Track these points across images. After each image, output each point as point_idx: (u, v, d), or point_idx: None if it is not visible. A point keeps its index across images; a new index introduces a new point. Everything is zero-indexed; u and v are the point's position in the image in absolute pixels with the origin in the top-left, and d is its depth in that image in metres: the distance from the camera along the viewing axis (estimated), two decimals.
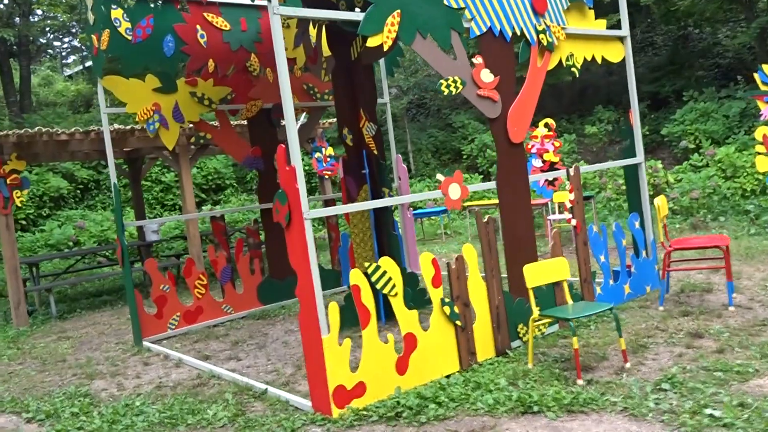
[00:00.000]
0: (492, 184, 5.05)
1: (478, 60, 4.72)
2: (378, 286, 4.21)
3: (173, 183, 16.84)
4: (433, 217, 14.05)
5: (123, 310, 8.82)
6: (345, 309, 4.89)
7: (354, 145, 6.24)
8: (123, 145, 9.15)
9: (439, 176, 4.55)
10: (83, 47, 25.83)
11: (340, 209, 4.38)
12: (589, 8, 5.77)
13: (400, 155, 8.60)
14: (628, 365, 4.29)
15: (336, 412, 3.99)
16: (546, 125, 11.04)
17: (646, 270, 6.15)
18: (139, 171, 11.19)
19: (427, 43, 4.43)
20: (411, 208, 9.61)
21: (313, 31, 7.10)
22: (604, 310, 4.29)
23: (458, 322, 4.54)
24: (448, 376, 4.45)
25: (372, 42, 4.13)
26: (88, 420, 4.47)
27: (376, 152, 6.18)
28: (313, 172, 15.29)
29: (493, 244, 4.83)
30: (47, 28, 22.78)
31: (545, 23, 5.21)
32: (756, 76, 5.86)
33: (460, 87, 4.57)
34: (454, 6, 4.60)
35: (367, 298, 4.13)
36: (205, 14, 6.69)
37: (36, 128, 8.32)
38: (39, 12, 21.51)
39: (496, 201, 12.01)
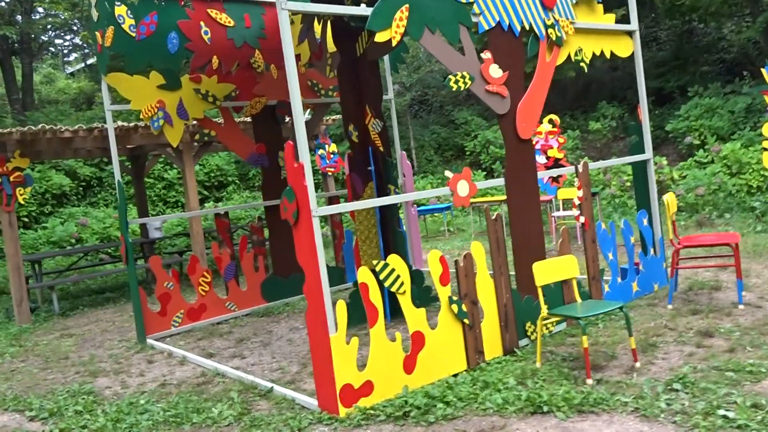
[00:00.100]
0: (497, 181, 5.00)
1: (486, 55, 4.66)
2: (386, 284, 4.17)
3: (176, 180, 16.80)
4: (436, 214, 14.01)
5: (125, 307, 8.79)
6: (350, 307, 4.85)
7: (360, 142, 6.19)
8: (126, 142, 9.11)
9: (448, 173, 4.50)
10: (85, 45, 25.77)
11: (348, 206, 4.33)
12: (598, 2, 5.70)
13: (404, 152, 8.55)
14: (638, 365, 4.24)
15: (343, 411, 3.95)
16: (550, 121, 10.97)
17: (654, 267, 6.10)
18: (142, 168, 11.16)
19: (435, 39, 4.38)
20: (415, 205, 9.56)
21: (317, 27, 7.04)
22: (615, 308, 4.24)
23: (466, 321, 4.50)
24: (455, 375, 4.41)
25: (380, 37, 4.08)
26: (92, 418, 4.44)
27: (382, 149, 6.13)
28: (316, 169, 15.25)
29: (502, 241, 4.79)
30: (49, 26, 22.73)
31: (554, 17, 5.16)
32: (763, 71, 5.78)
33: (469, 83, 4.52)
34: (463, 0, 4.54)
35: (375, 296, 4.08)
36: (208, 11, 6.64)
37: (39, 125, 8.29)
38: (41, 10, 21.45)
39: (500, 198, 12.00)
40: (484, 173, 16.16)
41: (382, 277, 4.16)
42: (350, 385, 3.97)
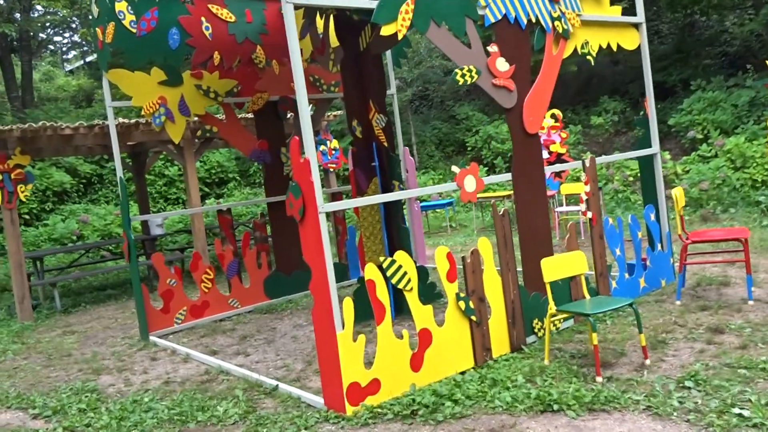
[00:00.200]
0: (504, 177, 4.94)
1: (493, 48, 4.60)
2: (393, 281, 4.12)
3: (176, 177, 16.75)
4: (438, 210, 13.95)
5: (127, 304, 8.75)
6: (353, 304, 4.80)
7: (363, 137, 6.13)
8: (127, 139, 9.05)
9: (455, 168, 4.44)
10: (84, 42, 25.68)
11: (354, 202, 4.27)
12: None
13: (407, 147, 8.49)
14: (648, 362, 4.19)
15: (350, 409, 3.90)
16: (553, 116, 10.90)
17: (662, 263, 6.05)
18: (143, 165, 11.09)
19: (441, 32, 4.31)
20: (418, 201, 9.51)
21: (320, 22, 6.97)
22: (625, 305, 4.18)
23: (473, 318, 4.45)
24: (462, 373, 4.36)
25: (386, 30, 4.02)
26: (96, 416, 4.40)
27: (386, 144, 6.07)
28: (318, 165, 15.21)
29: (509, 237, 4.73)
30: (48, 24, 22.64)
31: (560, 9, 5.09)
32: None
33: (476, 76, 4.46)
34: None
35: (382, 293, 4.03)
36: (209, 6, 6.56)
37: (40, 123, 8.23)
38: (39, 7, 21.36)
39: (502, 193, 11.94)
40: (486, 169, 16.09)
41: (389, 273, 4.11)
42: (357, 383, 3.93)
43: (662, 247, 6.09)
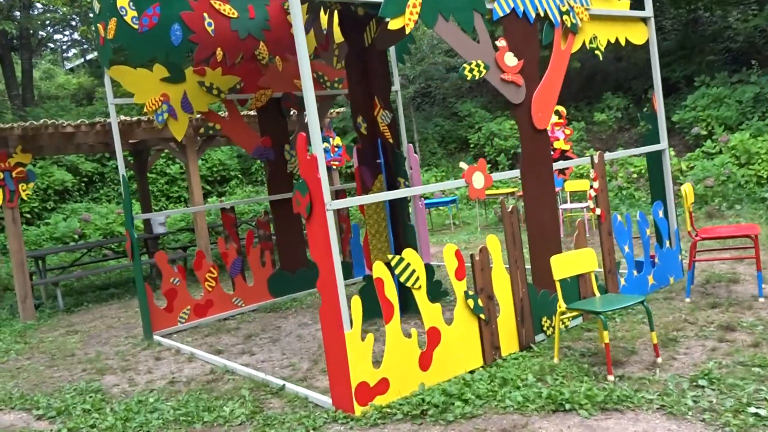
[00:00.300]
0: (512, 173, 4.88)
1: (501, 43, 4.54)
2: (401, 279, 4.06)
3: (178, 175, 16.69)
4: (441, 208, 13.89)
5: (130, 303, 8.70)
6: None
7: (368, 134, 6.07)
8: (129, 136, 8.99)
9: (463, 164, 4.38)
10: (84, 40, 25.61)
11: (361, 200, 4.21)
12: None
13: (411, 144, 8.43)
14: (659, 360, 4.14)
15: (358, 409, 3.85)
16: (556, 113, 10.84)
17: (670, 260, 5.99)
18: (145, 163, 11.03)
19: (449, 26, 4.25)
20: (423, 199, 9.45)
21: (324, 17, 6.90)
22: (636, 303, 4.13)
23: (482, 316, 4.39)
24: (472, 372, 4.31)
25: (393, 24, 3.95)
26: (101, 417, 4.35)
27: (391, 141, 6.01)
28: None
29: (518, 234, 4.68)
30: (48, 22, 22.57)
31: (569, 3, 5.02)
32: None
33: (484, 71, 4.40)
34: None
35: (391, 292, 3.98)
36: (212, 1, 6.50)
37: (41, 120, 8.17)
38: (39, 5, 21.29)
39: (505, 190, 11.88)
40: (489, 166, 16.02)
41: (397, 272, 4.05)
42: (366, 383, 3.87)
43: (670, 243, 6.03)
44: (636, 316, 5.11)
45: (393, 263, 4.06)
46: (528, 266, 5.12)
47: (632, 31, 5.72)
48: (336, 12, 6.42)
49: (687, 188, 5.41)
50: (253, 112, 9.05)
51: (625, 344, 4.55)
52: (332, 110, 11.15)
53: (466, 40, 4.35)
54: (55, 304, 8.94)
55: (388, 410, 3.83)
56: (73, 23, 23.80)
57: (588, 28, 5.25)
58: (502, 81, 4.55)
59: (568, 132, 10.79)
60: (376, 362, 3.98)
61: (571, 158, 10.49)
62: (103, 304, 8.88)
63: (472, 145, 17.10)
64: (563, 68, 5.00)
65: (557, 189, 10.38)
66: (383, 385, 3.95)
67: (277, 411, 4.10)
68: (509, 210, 4.61)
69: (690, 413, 3.35)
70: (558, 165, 5.27)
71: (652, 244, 5.93)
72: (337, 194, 9.27)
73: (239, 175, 17.78)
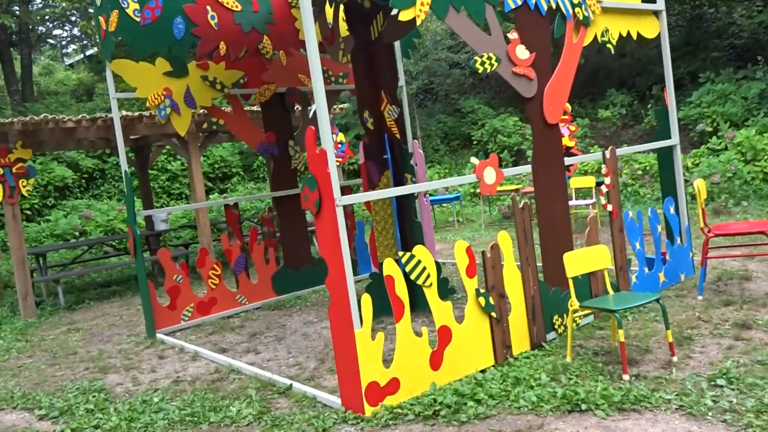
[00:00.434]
0: (523, 168, 4.79)
1: (513, 35, 4.44)
2: (412, 277, 3.97)
3: (179, 171, 16.60)
4: (444, 204, 13.80)
5: (132, 300, 8.61)
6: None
7: (375, 129, 5.97)
8: (130, 132, 8.89)
9: (474, 160, 4.29)
10: (83, 36, 25.47)
11: (370, 195, 4.12)
12: None
13: (416, 141, 8.33)
14: (675, 359, 4.05)
15: (369, 410, 3.76)
16: None
17: (681, 257, 5.90)
18: (146, 159, 10.94)
19: (460, 18, 4.16)
20: (428, 195, 9.36)
21: (329, 11, 6.81)
22: (651, 300, 4.04)
23: (494, 314, 4.31)
24: (483, 371, 4.22)
25: (404, 16, 3.86)
26: (105, 417, 4.26)
27: (398, 136, 5.92)
28: None
29: (529, 231, 4.59)
30: (47, 17, 22.44)
31: None
32: None
33: (495, 64, 4.30)
34: None
35: (401, 290, 3.89)
36: None
37: (42, 115, 8.07)
38: (38, 0, 21.17)
39: (510, 187, 11.78)
40: None
41: (407, 269, 3.96)
42: (376, 382, 3.79)
43: (682, 240, 5.94)
44: (648, 314, 5.03)
45: (404, 260, 3.97)
46: (539, 263, 5.03)
47: (644, 25, 5.62)
48: (342, 5, 6.31)
49: (699, 184, 5.32)
50: (256, 108, 8.95)
51: (638, 343, 4.46)
52: (335, 106, 11.05)
53: (477, 33, 4.26)
54: (56, 302, 8.86)
55: (399, 411, 3.75)
56: (73, 18, 23.68)
57: (600, 21, 5.15)
58: (513, 74, 4.45)
59: (573, 128, 10.70)
60: (386, 361, 3.90)
61: (576, 155, 10.40)
62: (104, 302, 8.79)
63: (475, 142, 17.00)
64: (575, 62, 4.91)
65: None
66: (394, 384, 3.86)
67: (285, 411, 4.02)
68: (521, 207, 4.52)
69: (710, 414, 3.27)
70: (567, 161, 5.17)
71: (663, 241, 5.84)
72: (342, 191, 9.19)
73: (241, 172, 17.68)
